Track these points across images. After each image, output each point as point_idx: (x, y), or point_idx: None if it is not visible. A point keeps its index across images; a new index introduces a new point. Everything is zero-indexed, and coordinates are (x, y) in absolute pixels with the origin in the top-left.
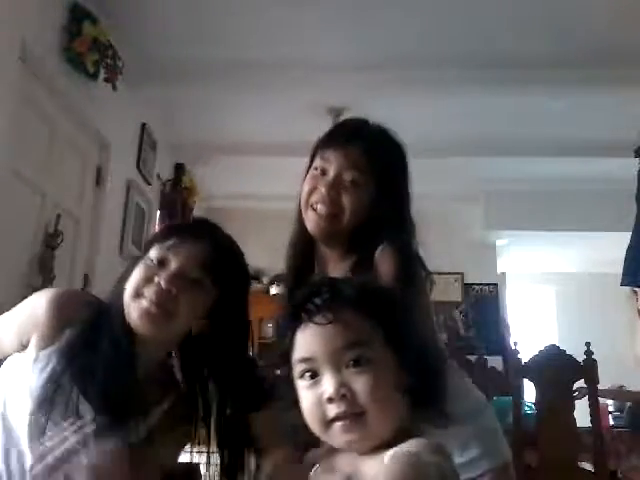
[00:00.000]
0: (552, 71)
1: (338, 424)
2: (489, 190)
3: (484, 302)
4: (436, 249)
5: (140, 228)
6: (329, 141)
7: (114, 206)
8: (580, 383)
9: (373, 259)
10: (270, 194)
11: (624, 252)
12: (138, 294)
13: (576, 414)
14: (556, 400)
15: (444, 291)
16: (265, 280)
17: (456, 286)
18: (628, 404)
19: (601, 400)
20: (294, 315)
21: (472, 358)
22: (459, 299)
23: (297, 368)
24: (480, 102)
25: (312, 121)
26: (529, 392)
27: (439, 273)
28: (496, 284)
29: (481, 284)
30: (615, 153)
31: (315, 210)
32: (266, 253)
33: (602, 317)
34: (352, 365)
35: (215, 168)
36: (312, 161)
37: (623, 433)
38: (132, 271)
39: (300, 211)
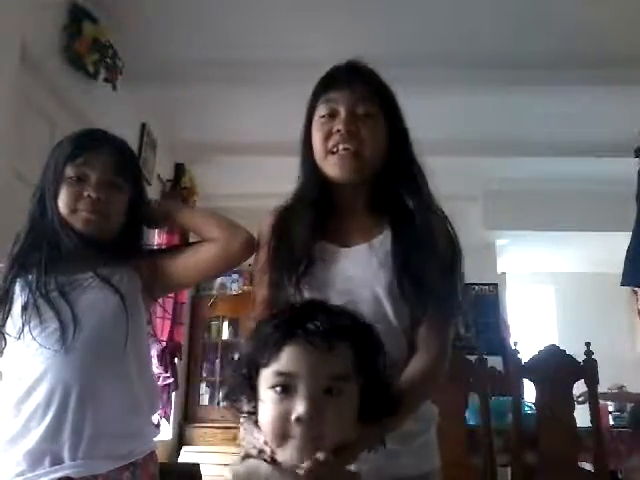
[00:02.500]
0: (552, 71)
1: (296, 443)
2: (489, 190)
3: (484, 302)
4: None
5: None
6: (329, 84)
7: None
8: (580, 383)
9: (405, 220)
10: (270, 194)
11: (624, 252)
12: (74, 210)
13: (576, 414)
14: (556, 400)
15: None
16: None
17: None
18: (629, 405)
19: (601, 400)
20: (288, 330)
21: (472, 358)
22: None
23: (272, 378)
24: (480, 102)
25: None
26: (529, 392)
27: None
28: (496, 284)
29: (481, 284)
30: (615, 153)
31: (337, 152)
32: None
33: (602, 317)
34: (327, 393)
35: (215, 168)
36: (312, 113)
37: (623, 433)
38: (51, 195)
39: (308, 166)
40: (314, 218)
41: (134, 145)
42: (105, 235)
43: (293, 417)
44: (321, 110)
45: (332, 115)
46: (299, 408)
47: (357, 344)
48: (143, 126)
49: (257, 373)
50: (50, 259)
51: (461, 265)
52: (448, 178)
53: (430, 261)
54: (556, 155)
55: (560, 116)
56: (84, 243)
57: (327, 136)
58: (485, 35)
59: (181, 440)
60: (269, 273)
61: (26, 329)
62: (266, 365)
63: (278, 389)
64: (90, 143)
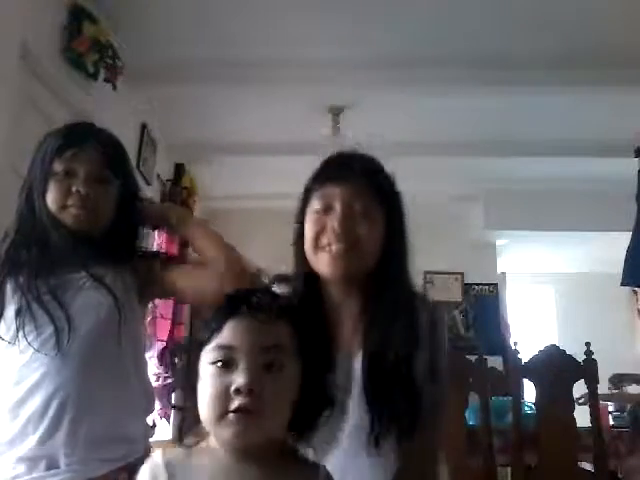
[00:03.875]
0: (552, 71)
1: (234, 415)
2: (489, 190)
3: (484, 302)
4: (436, 249)
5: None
6: (325, 178)
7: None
8: (580, 383)
9: (390, 309)
10: (270, 194)
11: (624, 252)
12: (63, 206)
13: (576, 414)
14: (556, 400)
15: (444, 291)
16: (265, 280)
17: (456, 286)
18: (629, 405)
19: (601, 401)
20: (232, 305)
21: (472, 358)
22: (459, 299)
23: (213, 353)
24: (480, 102)
25: (312, 120)
26: (529, 392)
27: (439, 273)
28: (496, 284)
29: (481, 284)
30: (615, 153)
31: (330, 251)
32: (266, 253)
33: (602, 317)
34: (267, 367)
35: (215, 168)
36: (305, 206)
37: (623, 433)
38: (40, 191)
39: (301, 264)
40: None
41: (134, 145)
42: (95, 232)
43: (232, 389)
44: (315, 204)
45: (326, 210)
46: (238, 379)
47: (297, 324)
48: (143, 126)
49: (198, 357)
50: (40, 258)
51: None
52: (448, 178)
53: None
54: (556, 155)
55: (560, 116)
56: (75, 240)
57: (319, 233)
58: (485, 35)
59: (181, 440)
60: None
61: (20, 334)
62: (208, 342)
63: (219, 364)
64: (78, 137)
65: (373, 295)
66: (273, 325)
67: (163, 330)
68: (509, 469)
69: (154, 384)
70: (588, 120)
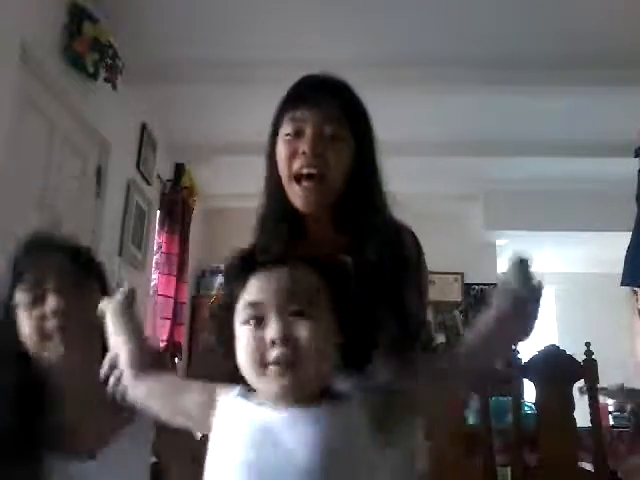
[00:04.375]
0: (552, 71)
1: (275, 367)
2: (489, 190)
3: (484, 302)
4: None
5: (140, 228)
6: (296, 101)
7: (114, 206)
8: (580, 383)
9: (368, 235)
10: None
11: (624, 252)
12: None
13: (576, 414)
14: (556, 400)
15: (444, 291)
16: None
17: (456, 286)
18: (630, 405)
19: (601, 400)
20: (251, 262)
21: None
22: (459, 299)
23: (244, 313)
24: (480, 102)
25: None
26: (529, 392)
27: (439, 273)
28: (496, 284)
29: (481, 284)
30: (615, 153)
31: (301, 182)
32: None
33: (602, 317)
34: (296, 315)
35: (215, 168)
36: (276, 131)
37: (623, 433)
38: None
39: (273, 183)
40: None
41: (134, 145)
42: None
43: (267, 341)
44: (286, 128)
45: (298, 134)
46: (272, 331)
47: (319, 269)
48: (143, 126)
49: (232, 316)
50: None
51: (427, 286)
52: (448, 178)
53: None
54: (556, 155)
55: (560, 116)
56: None
57: (292, 155)
58: (485, 35)
59: None
60: None
61: None
62: (237, 300)
63: (251, 322)
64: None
65: (347, 216)
66: (297, 273)
67: (163, 330)
68: (509, 469)
69: None
70: (588, 120)
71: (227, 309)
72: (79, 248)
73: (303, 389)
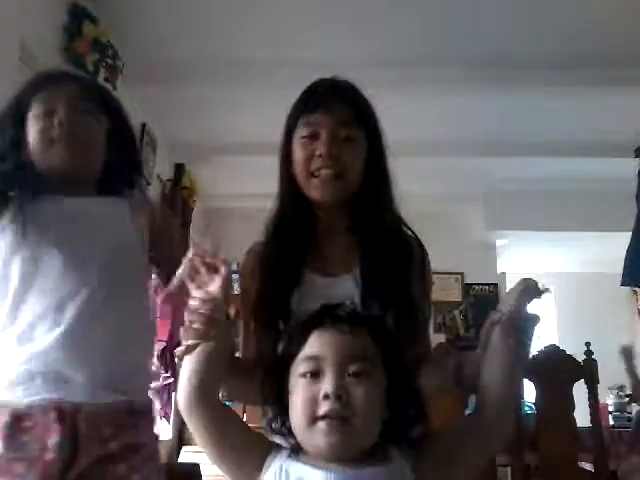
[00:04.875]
0: (552, 71)
1: (325, 422)
2: (489, 190)
3: (484, 302)
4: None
5: None
6: (310, 105)
7: None
8: (580, 383)
9: (378, 235)
10: (270, 194)
11: (624, 252)
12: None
13: (576, 414)
14: (556, 400)
15: (444, 291)
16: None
17: (456, 286)
18: (635, 409)
19: (601, 400)
20: (316, 317)
21: None
22: (459, 299)
23: (302, 365)
24: (480, 102)
25: None
26: (529, 392)
27: (439, 273)
28: (496, 284)
29: (481, 284)
30: (615, 153)
31: (319, 176)
32: None
33: (602, 317)
34: (353, 375)
35: (215, 168)
36: (292, 131)
37: (623, 433)
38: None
39: (287, 183)
40: (297, 248)
41: None
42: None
43: (321, 395)
44: (302, 131)
45: (313, 137)
46: (326, 386)
47: (377, 333)
48: (143, 126)
49: (289, 369)
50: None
51: (430, 288)
52: (448, 178)
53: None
54: (556, 155)
55: (560, 116)
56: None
57: (309, 158)
58: (485, 35)
59: (181, 440)
60: (258, 314)
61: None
62: (296, 353)
63: (308, 375)
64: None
65: (360, 214)
66: (357, 335)
67: (163, 330)
68: (509, 469)
69: (154, 384)
70: (588, 120)
71: (286, 363)
72: (94, 81)
73: (353, 447)
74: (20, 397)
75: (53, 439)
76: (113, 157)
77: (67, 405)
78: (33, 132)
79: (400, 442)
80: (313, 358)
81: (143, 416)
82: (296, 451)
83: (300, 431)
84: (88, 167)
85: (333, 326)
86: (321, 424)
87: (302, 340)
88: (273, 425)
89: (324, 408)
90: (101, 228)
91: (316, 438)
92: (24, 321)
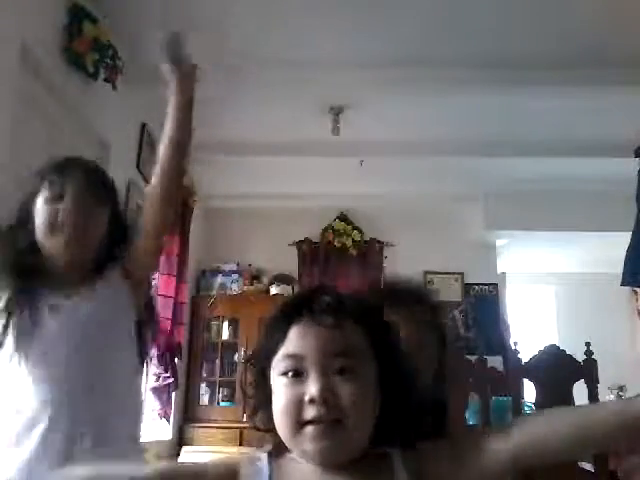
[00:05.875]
0: (552, 71)
1: (312, 428)
2: (489, 190)
3: (484, 302)
4: (436, 249)
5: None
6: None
7: None
8: (580, 383)
9: None
10: (270, 194)
11: (624, 252)
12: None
13: None
14: (556, 400)
15: (444, 291)
16: (265, 280)
17: (456, 286)
18: None
19: (601, 400)
20: (294, 310)
21: (472, 358)
22: (459, 299)
23: (282, 364)
24: (480, 102)
25: (312, 120)
26: (529, 392)
27: (439, 273)
28: (496, 284)
29: (481, 284)
30: (615, 153)
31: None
32: (266, 253)
33: (602, 317)
34: (339, 372)
35: (215, 168)
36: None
37: None
38: None
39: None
40: None
41: (134, 145)
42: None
43: (306, 399)
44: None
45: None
46: (311, 389)
47: (366, 323)
48: (143, 126)
49: (269, 365)
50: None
51: None
52: (448, 178)
53: None
54: (556, 155)
55: (560, 116)
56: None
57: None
58: (485, 36)
59: (181, 440)
60: None
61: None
62: (275, 351)
63: (289, 374)
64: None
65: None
66: (340, 328)
67: (163, 330)
68: None
69: (154, 384)
70: (588, 120)
71: (265, 359)
72: (99, 168)
73: (344, 452)
74: None
75: None
76: (111, 236)
77: None
78: (40, 216)
79: (399, 443)
80: (293, 356)
81: None
82: (275, 455)
83: (285, 435)
84: (87, 252)
85: (313, 319)
86: (308, 429)
87: (281, 335)
88: (256, 422)
89: (310, 413)
90: (96, 327)
91: (304, 444)
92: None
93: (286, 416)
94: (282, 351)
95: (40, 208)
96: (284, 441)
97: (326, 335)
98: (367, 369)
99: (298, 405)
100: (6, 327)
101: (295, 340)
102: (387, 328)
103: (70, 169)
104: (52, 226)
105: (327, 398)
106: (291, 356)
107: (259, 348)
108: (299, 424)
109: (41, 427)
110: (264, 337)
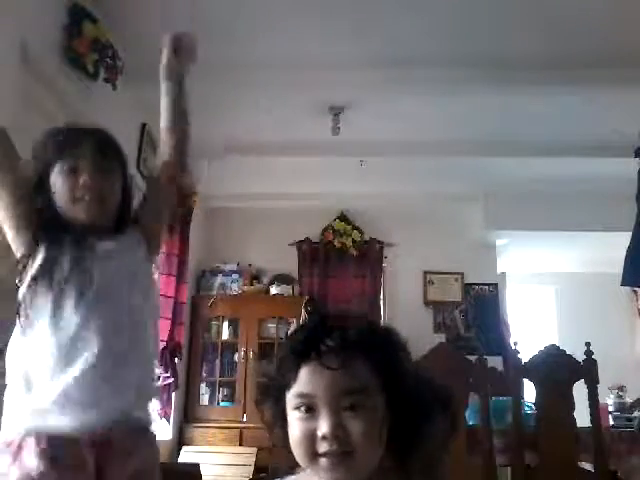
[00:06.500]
0: (552, 71)
1: (326, 460)
2: (489, 190)
3: (484, 302)
4: (436, 249)
5: None
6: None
7: None
8: (580, 383)
9: None
10: (270, 194)
11: (624, 252)
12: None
13: (576, 414)
14: (556, 400)
15: (444, 291)
16: (265, 280)
17: (456, 286)
18: (636, 413)
19: (601, 400)
20: (303, 351)
21: (472, 358)
22: (459, 299)
23: (294, 400)
24: (480, 102)
25: (313, 120)
26: (529, 392)
27: (439, 273)
28: (496, 284)
29: (481, 284)
30: (615, 153)
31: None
32: (266, 253)
33: (602, 317)
34: (349, 409)
35: (215, 168)
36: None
37: (623, 433)
38: None
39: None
40: None
41: (134, 145)
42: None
43: (319, 434)
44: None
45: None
46: (323, 427)
47: (373, 358)
48: (143, 126)
49: (283, 397)
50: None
51: None
52: (448, 178)
53: None
54: (556, 155)
55: (560, 116)
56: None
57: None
58: (485, 36)
59: (181, 440)
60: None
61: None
62: (288, 387)
63: (302, 409)
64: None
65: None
66: (350, 366)
67: (163, 330)
68: (509, 469)
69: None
70: (588, 120)
71: (278, 392)
72: (109, 135)
73: (356, 478)
74: (55, 423)
75: (89, 462)
76: (124, 200)
77: (99, 429)
78: (59, 189)
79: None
80: (305, 396)
81: (150, 431)
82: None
83: (302, 462)
84: (108, 216)
85: (321, 361)
86: (322, 461)
87: (292, 375)
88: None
89: (323, 448)
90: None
91: (319, 472)
92: (63, 344)
93: (301, 448)
94: (294, 389)
95: (56, 181)
96: (301, 464)
97: (334, 376)
98: (376, 400)
99: (311, 439)
100: (51, 272)
101: (305, 380)
102: (395, 356)
103: (83, 139)
104: (72, 197)
105: (338, 435)
106: (303, 395)
107: (273, 382)
108: (313, 455)
109: (89, 355)
110: (277, 372)
